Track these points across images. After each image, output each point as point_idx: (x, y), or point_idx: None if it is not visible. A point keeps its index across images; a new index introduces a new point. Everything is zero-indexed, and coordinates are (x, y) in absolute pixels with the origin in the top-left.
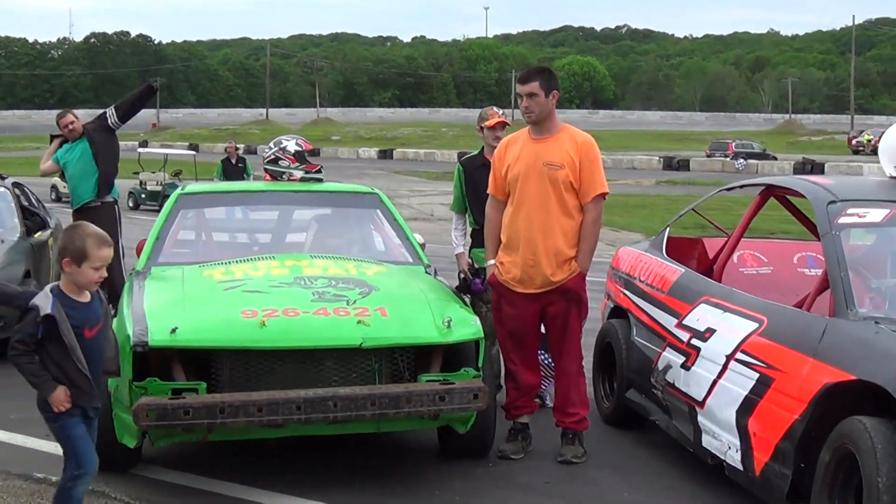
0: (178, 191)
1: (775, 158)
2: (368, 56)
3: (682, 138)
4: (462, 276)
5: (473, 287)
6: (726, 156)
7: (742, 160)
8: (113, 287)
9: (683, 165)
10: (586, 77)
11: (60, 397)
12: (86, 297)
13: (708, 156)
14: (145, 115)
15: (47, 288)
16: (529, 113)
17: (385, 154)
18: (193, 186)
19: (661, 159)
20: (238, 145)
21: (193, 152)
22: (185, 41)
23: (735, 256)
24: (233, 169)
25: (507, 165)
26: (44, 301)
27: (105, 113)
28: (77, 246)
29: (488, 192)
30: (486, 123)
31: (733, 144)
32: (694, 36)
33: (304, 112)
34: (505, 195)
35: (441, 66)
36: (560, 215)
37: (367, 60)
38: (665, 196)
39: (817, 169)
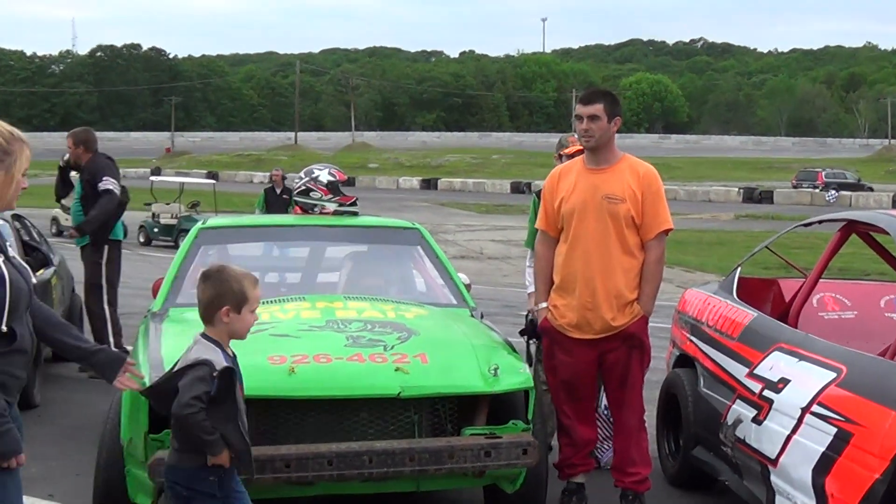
0: (199, 225)
1: (871, 189)
2: (410, 73)
3: (766, 167)
4: (530, 317)
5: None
6: (815, 187)
7: (833, 192)
8: (94, 329)
9: (766, 197)
10: (657, 97)
11: (226, 459)
12: (230, 350)
13: (794, 186)
14: (158, 139)
15: (199, 337)
16: (589, 137)
17: (428, 184)
18: (215, 220)
19: (742, 190)
20: (285, 174)
21: (213, 181)
22: (203, 55)
23: (814, 300)
24: (277, 200)
25: (560, 198)
26: (213, 354)
27: (107, 182)
28: (236, 290)
29: (537, 226)
30: (566, 151)
31: (823, 174)
32: (779, 51)
33: (338, 136)
34: (557, 231)
35: (492, 85)
36: (621, 254)
37: (408, 78)
38: (745, 232)
39: None
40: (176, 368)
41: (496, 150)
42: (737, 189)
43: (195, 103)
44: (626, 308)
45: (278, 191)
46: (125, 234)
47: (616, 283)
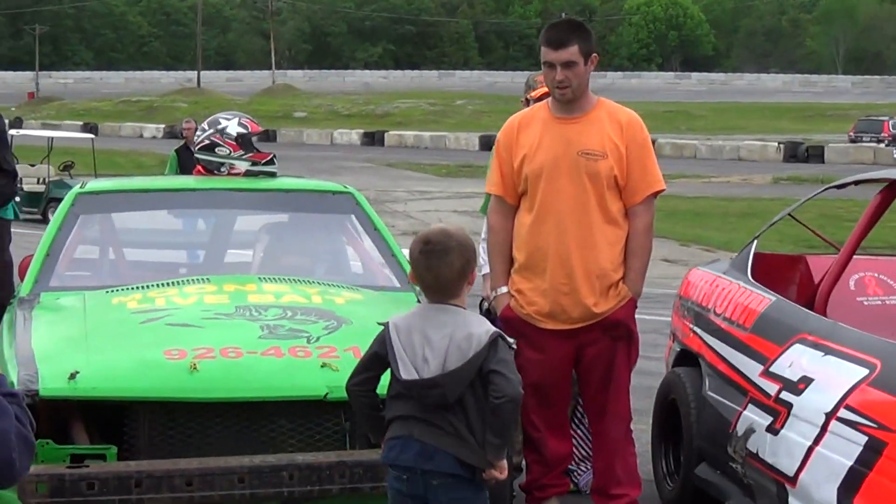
0: (76, 189)
1: None
2: None
3: (816, 114)
4: (486, 306)
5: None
6: (880, 140)
7: None
8: None
9: (815, 154)
10: (672, 24)
11: None
12: None
13: (852, 140)
14: (17, 80)
15: (447, 308)
16: (565, 88)
17: (372, 138)
18: (97, 183)
19: (783, 146)
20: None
21: (91, 135)
22: None
23: (852, 281)
24: (191, 161)
25: (522, 155)
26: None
27: None
28: (473, 248)
29: (489, 191)
30: (534, 94)
31: (891, 123)
32: None
33: (254, 76)
34: (517, 196)
35: (456, 9)
36: (603, 223)
37: (345, 0)
38: (785, 200)
39: None
40: (470, 357)
41: (461, 93)
42: (776, 144)
43: (66, 34)
44: (611, 290)
45: (194, 149)
46: (16, 214)
47: (598, 259)
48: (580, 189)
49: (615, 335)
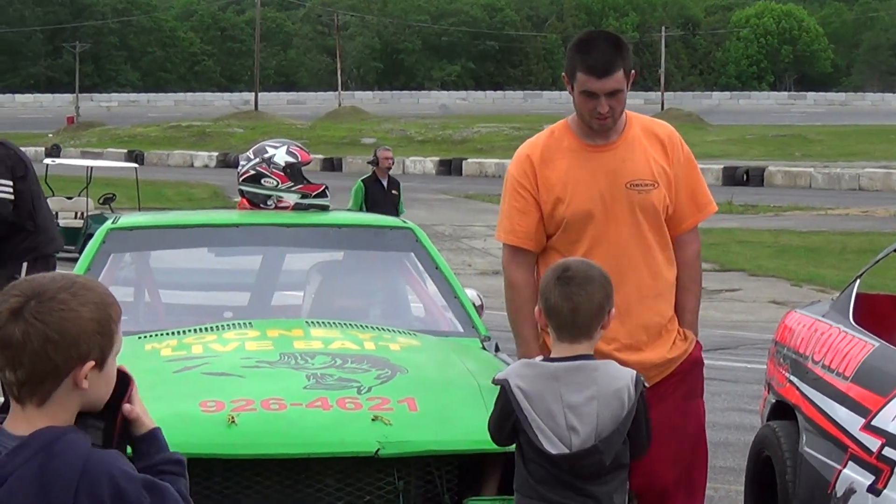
0: (108, 224)
1: None
2: (423, 6)
3: None
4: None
5: None
6: None
7: None
8: None
9: None
10: (786, 38)
11: None
12: None
13: None
14: (56, 103)
15: (592, 358)
16: (605, 119)
17: (449, 167)
18: (130, 218)
19: None
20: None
21: (134, 164)
22: None
23: None
24: (382, 196)
25: (553, 198)
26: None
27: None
28: None
29: (504, 240)
30: None
31: None
32: None
33: (318, 98)
34: (542, 246)
35: (544, 22)
36: (665, 266)
37: (420, 13)
38: None
39: None
40: (623, 417)
41: (549, 116)
42: None
43: (109, 52)
44: (676, 339)
45: (384, 182)
46: (59, 246)
47: (663, 309)
48: (635, 229)
49: (686, 391)
